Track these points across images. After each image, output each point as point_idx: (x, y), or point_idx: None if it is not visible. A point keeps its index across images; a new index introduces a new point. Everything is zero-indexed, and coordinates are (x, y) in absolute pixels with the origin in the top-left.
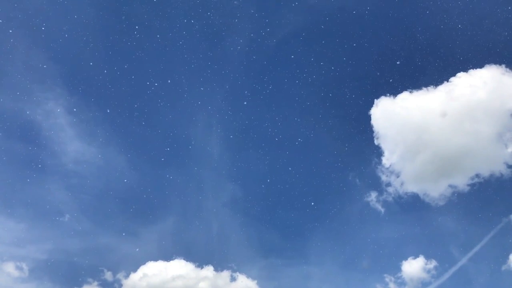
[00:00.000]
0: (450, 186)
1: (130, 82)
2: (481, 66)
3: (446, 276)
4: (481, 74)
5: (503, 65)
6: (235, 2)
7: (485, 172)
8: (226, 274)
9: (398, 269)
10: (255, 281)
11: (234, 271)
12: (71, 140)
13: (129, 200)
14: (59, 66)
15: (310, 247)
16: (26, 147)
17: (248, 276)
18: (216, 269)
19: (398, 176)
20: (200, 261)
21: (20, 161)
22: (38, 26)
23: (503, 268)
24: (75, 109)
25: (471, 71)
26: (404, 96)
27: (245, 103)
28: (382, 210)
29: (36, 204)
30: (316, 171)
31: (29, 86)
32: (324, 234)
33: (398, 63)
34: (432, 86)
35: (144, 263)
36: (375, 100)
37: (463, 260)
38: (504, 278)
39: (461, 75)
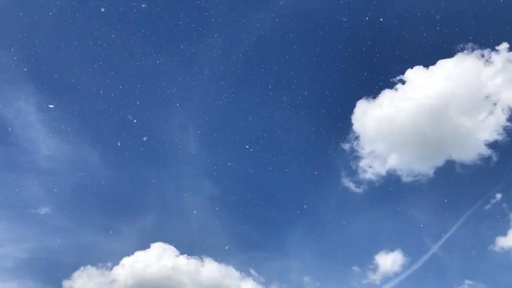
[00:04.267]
0: (429, 172)
1: (102, 79)
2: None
3: (418, 264)
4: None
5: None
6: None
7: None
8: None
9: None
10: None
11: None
12: (43, 137)
13: (105, 196)
14: (27, 65)
15: (289, 241)
16: None
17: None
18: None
19: (376, 168)
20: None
21: None
22: (4, 24)
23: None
24: (45, 107)
25: (441, 62)
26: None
27: (222, 101)
28: (361, 200)
29: (13, 204)
30: (293, 166)
31: None
32: (303, 227)
33: (373, 61)
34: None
35: (123, 258)
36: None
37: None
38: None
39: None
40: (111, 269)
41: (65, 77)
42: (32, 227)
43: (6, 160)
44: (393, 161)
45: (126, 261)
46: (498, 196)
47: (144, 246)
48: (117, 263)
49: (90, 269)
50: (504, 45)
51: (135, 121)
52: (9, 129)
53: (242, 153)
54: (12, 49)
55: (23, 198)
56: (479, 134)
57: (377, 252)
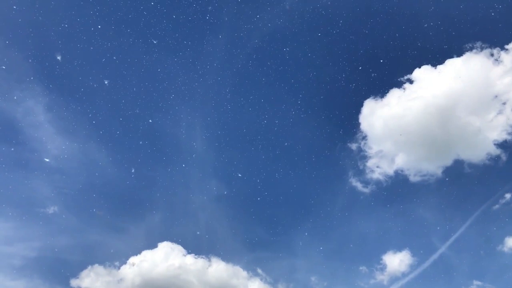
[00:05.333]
0: (437, 171)
1: (110, 80)
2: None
3: (427, 264)
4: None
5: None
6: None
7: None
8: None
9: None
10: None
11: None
12: (52, 137)
13: (112, 196)
14: (37, 65)
15: (297, 240)
16: (7, 145)
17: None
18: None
19: (383, 168)
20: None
21: (3, 159)
22: (15, 24)
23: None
24: (54, 106)
25: (450, 61)
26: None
27: (229, 101)
28: (368, 200)
29: (21, 203)
30: (300, 166)
31: (7, 85)
32: (310, 227)
33: (381, 61)
34: (408, 83)
35: (131, 257)
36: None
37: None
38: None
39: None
40: (119, 268)
41: (73, 77)
42: (41, 226)
43: (15, 159)
44: (401, 161)
45: (134, 260)
46: (507, 196)
47: (152, 245)
48: (125, 262)
49: (98, 268)
50: None
51: (142, 121)
52: (19, 129)
53: (249, 153)
54: (22, 50)
55: (31, 197)
56: (488, 133)
57: (384, 252)
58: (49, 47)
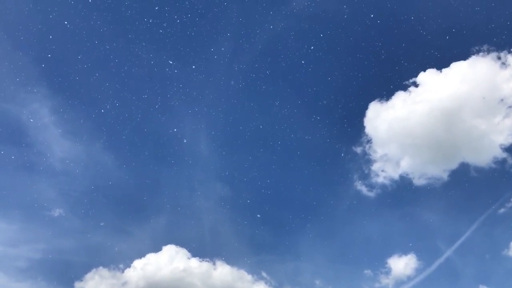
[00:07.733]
0: (443, 175)
1: (116, 82)
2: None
3: (432, 268)
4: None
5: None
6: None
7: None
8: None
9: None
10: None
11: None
12: (57, 139)
13: (117, 198)
14: (42, 67)
15: (301, 244)
16: (13, 148)
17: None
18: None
19: (388, 172)
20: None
21: (8, 162)
22: (20, 27)
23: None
24: (59, 109)
25: (455, 64)
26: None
27: (234, 103)
28: (373, 204)
29: (27, 205)
30: (305, 169)
31: (13, 88)
32: (315, 230)
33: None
34: (413, 86)
35: (135, 260)
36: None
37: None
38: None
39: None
40: (123, 271)
41: (78, 79)
42: (46, 228)
43: (20, 162)
44: (406, 164)
45: (138, 263)
46: None
47: (156, 248)
48: (129, 265)
49: (102, 271)
50: None
51: (147, 123)
52: (24, 131)
53: (254, 156)
54: (27, 52)
55: (37, 199)
56: (494, 137)
57: (390, 256)
58: (54, 50)
